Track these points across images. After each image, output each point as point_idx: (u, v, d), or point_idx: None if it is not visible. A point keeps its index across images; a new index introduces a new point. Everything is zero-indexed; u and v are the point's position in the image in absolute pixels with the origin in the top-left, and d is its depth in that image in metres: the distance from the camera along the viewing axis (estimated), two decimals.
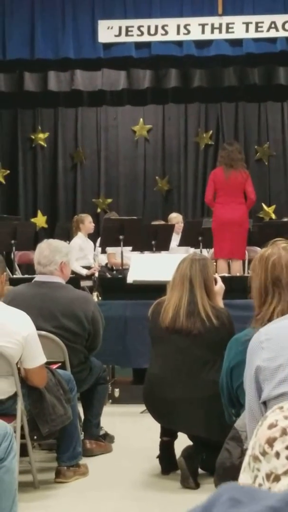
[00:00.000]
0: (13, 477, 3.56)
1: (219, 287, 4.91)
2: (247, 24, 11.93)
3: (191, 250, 10.12)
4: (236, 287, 6.76)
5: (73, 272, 6.81)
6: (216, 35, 12.00)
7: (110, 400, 6.81)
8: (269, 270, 3.24)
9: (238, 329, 4.05)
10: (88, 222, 10.94)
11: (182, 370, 4.74)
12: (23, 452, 4.63)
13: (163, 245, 9.84)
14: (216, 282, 4.89)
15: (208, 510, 0.67)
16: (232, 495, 0.68)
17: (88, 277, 9.78)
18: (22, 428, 4.45)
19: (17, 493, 3.62)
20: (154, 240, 9.62)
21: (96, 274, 10.00)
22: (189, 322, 4.72)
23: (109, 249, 10.67)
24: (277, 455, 1.23)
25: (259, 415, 2.23)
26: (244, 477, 1.28)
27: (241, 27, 11.94)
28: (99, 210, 13.67)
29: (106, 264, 10.94)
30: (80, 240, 10.75)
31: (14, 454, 3.56)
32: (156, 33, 12.05)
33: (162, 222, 11.46)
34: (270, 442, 1.25)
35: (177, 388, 4.72)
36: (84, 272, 9.98)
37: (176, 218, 11.55)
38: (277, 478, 1.18)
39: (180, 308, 4.73)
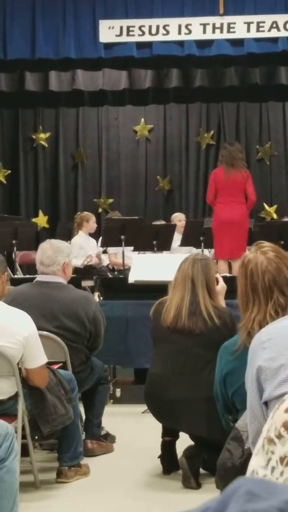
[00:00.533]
0: (14, 477, 3.55)
1: (221, 287, 4.91)
2: (248, 24, 11.93)
3: (194, 250, 10.10)
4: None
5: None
6: (218, 35, 12.00)
7: (112, 400, 6.81)
8: (248, 277, 3.25)
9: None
10: (92, 222, 10.96)
11: (184, 370, 4.74)
12: (24, 452, 4.62)
13: (165, 245, 9.83)
14: (217, 282, 4.89)
15: (225, 503, 0.67)
16: (249, 488, 0.67)
17: (87, 272, 9.73)
18: (23, 428, 4.45)
19: (18, 493, 3.62)
20: (155, 240, 9.61)
21: (93, 261, 9.97)
22: (191, 322, 4.71)
23: (110, 249, 10.67)
24: None
25: (260, 415, 2.23)
26: (257, 460, 1.27)
27: (242, 27, 11.94)
28: (100, 210, 13.67)
29: (108, 264, 10.93)
30: (81, 239, 10.75)
31: (15, 454, 3.55)
32: (157, 33, 12.06)
33: (163, 222, 11.45)
34: (287, 425, 1.25)
35: (178, 388, 4.72)
36: (80, 262, 9.93)
37: (178, 217, 11.53)
38: None
39: (182, 308, 4.73)
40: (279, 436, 1.25)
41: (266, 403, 2.24)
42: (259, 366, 2.24)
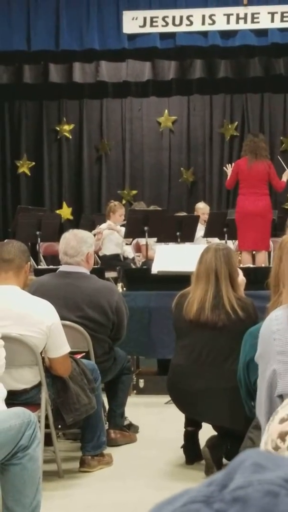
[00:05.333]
0: (37, 465, 3.57)
1: (241, 280, 4.90)
2: (272, 14, 11.87)
3: (216, 241, 10.08)
4: (261, 278, 6.72)
5: None
6: (241, 25, 11.95)
7: (135, 391, 6.82)
8: (285, 257, 3.21)
9: (262, 320, 4.03)
10: (118, 215, 10.82)
11: (206, 360, 4.74)
12: (48, 441, 4.64)
13: (188, 236, 9.81)
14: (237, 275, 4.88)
15: (231, 475, 0.67)
16: (256, 460, 0.67)
17: (110, 262, 9.70)
18: (46, 417, 4.47)
19: (41, 482, 3.64)
20: (179, 231, 9.60)
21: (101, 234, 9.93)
22: (214, 315, 4.70)
23: (140, 241, 10.53)
24: None
25: (268, 408, 2.22)
26: None
27: (266, 17, 11.88)
28: (124, 201, 13.68)
29: (133, 258, 10.84)
30: (106, 227, 10.64)
31: (38, 442, 3.57)
32: (181, 23, 12.02)
33: (185, 214, 11.39)
34: (282, 436, 1.25)
35: (201, 378, 4.72)
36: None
37: (203, 209, 11.47)
38: None
39: (206, 302, 4.72)
40: (276, 448, 1.25)
41: (281, 396, 2.23)
42: (274, 369, 2.24)
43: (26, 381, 4.40)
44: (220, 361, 4.70)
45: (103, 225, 10.60)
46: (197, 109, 13.88)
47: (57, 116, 13.99)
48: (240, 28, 12.01)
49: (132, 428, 5.67)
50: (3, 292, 4.37)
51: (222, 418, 4.70)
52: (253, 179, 9.13)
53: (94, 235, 9.29)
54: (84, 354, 5.02)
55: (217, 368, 4.69)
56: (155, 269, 7.05)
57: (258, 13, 11.90)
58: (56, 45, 12.37)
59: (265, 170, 9.17)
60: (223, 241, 9.96)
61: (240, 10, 11.96)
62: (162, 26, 12.08)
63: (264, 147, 9.36)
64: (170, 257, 7.05)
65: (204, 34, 12.13)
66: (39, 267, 9.02)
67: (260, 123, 13.68)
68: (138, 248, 10.73)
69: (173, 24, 12.05)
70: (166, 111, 13.85)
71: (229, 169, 9.64)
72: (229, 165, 9.88)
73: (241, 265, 8.84)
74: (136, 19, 12.09)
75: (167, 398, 5.55)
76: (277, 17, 11.87)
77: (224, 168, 10.22)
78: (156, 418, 6.12)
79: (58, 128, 13.94)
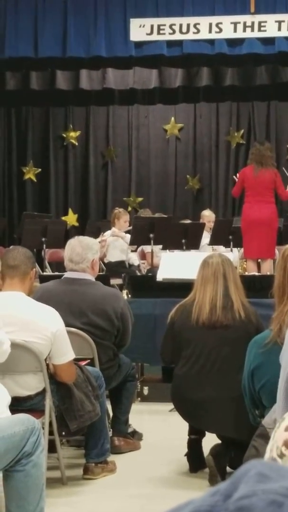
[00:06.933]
0: (41, 472, 3.57)
1: None
2: (279, 22, 11.89)
3: (222, 248, 10.08)
4: (266, 286, 6.71)
5: None
6: (248, 34, 11.98)
7: (139, 398, 6.81)
8: (286, 269, 3.20)
9: (267, 328, 4.03)
10: (123, 221, 10.83)
11: (211, 370, 4.73)
12: (52, 448, 4.63)
13: (194, 244, 9.81)
14: None
15: (235, 485, 0.67)
16: (260, 470, 0.67)
17: (116, 269, 9.70)
18: (50, 424, 4.47)
19: (44, 488, 3.63)
20: (184, 238, 9.60)
21: (105, 241, 9.93)
22: (223, 314, 4.71)
23: (145, 248, 10.53)
24: None
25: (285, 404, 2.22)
26: None
27: (273, 26, 11.90)
28: (130, 208, 13.68)
29: (138, 265, 10.84)
30: (111, 233, 10.65)
31: (42, 449, 3.57)
32: (188, 31, 12.05)
33: (189, 221, 11.39)
34: (287, 444, 1.25)
35: (205, 388, 4.71)
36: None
37: (208, 217, 11.46)
38: None
39: (217, 301, 4.72)
40: (281, 456, 1.24)
41: None
42: None
43: (31, 388, 4.40)
44: (225, 370, 4.69)
45: (108, 232, 10.61)
46: (203, 116, 13.90)
47: (63, 123, 14.02)
48: (247, 36, 12.03)
49: (136, 436, 5.66)
50: (9, 298, 4.37)
51: (226, 428, 4.69)
52: (259, 187, 9.11)
53: (99, 242, 9.29)
54: (88, 360, 5.01)
55: (222, 378, 4.68)
56: (160, 276, 7.05)
57: (265, 22, 11.92)
58: (63, 52, 12.41)
59: (271, 178, 9.16)
60: (229, 249, 10.00)
61: (247, 19, 11.98)
62: (169, 34, 12.11)
63: (270, 155, 9.35)
64: (176, 265, 7.05)
65: (211, 42, 12.15)
66: (44, 273, 9.02)
67: (266, 131, 13.69)
68: (143, 255, 10.73)
69: (180, 32, 12.08)
70: (173, 118, 13.87)
71: (237, 179, 9.66)
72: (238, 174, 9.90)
73: (246, 273, 8.86)
74: (143, 26, 12.12)
75: (171, 405, 5.54)
76: (284, 25, 11.88)
77: (234, 177, 10.22)
78: (160, 426, 6.11)
79: (64, 135, 13.96)
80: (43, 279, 6.66)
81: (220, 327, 4.71)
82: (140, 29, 12.14)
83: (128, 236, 10.19)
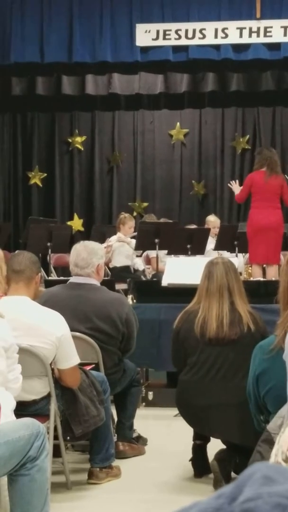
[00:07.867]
0: (45, 477, 3.57)
1: None
2: (285, 28, 11.90)
3: (226, 254, 10.07)
4: (272, 291, 6.71)
5: None
6: (254, 39, 11.99)
7: (144, 403, 6.81)
8: None
9: (271, 333, 4.03)
10: (128, 227, 10.84)
11: (216, 376, 4.72)
12: (56, 453, 4.64)
13: (199, 249, 9.81)
14: None
15: (240, 487, 0.67)
16: (265, 473, 0.68)
17: (121, 274, 9.71)
18: (55, 428, 4.47)
19: (49, 493, 3.63)
20: (189, 244, 9.60)
21: (110, 246, 9.93)
22: (231, 330, 4.68)
23: (150, 253, 10.54)
24: None
25: None
26: None
27: (279, 31, 11.91)
28: (135, 213, 13.69)
29: (143, 270, 10.84)
30: (116, 238, 10.66)
31: (47, 454, 3.57)
32: (193, 36, 12.07)
33: (194, 227, 11.39)
34: None
35: (210, 394, 4.70)
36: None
37: (213, 222, 11.45)
38: None
39: (223, 318, 4.69)
40: (286, 460, 1.25)
41: None
42: None
43: (36, 392, 4.40)
44: (229, 376, 4.68)
45: (113, 238, 10.62)
46: (209, 122, 13.90)
47: (69, 128, 14.03)
48: (252, 42, 12.04)
49: (140, 441, 5.66)
50: (14, 303, 4.38)
51: (231, 434, 4.68)
52: (268, 193, 9.07)
53: (104, 247, 9.31)
54: (93, 365, 5.01)
55: (226, 384, 4.67)
56: (165, 281, 7.05)
57: (271, 27, 11.93)
58: (69, 57, 12.43)
59: (279, 184, 9.14)
60: (234, 254, 9.98)
61: (253, 24, 11.99)
62: (175, 39, 12.13)
63: (277, 161, 9.34)
64: (181, 270, 7.05)
65: (217, 47, 12.17)
66: (50, 278, 9.03)
67: (271, 136, 13.69)
68: (148, 260, 10.73)
69: (186, 37, 12.10)
70: (178, 123, 13.88)
71: (234, 186, 9.64)
72: (233, 181, 9.88)
73: (252, 278, 8.85)
74: (149, 32, 12.14)
75: (176, 410, 5.52)
76: None
77: (229, 184, 10.19)
78: (164, 431, 6.11)
79: (70, 140, 13.98)
80: (48, 283, 6.67)
81: (227, 342, 4.69)
82: (146, 35, 12.16)
83: (134, 241, 10.20)
